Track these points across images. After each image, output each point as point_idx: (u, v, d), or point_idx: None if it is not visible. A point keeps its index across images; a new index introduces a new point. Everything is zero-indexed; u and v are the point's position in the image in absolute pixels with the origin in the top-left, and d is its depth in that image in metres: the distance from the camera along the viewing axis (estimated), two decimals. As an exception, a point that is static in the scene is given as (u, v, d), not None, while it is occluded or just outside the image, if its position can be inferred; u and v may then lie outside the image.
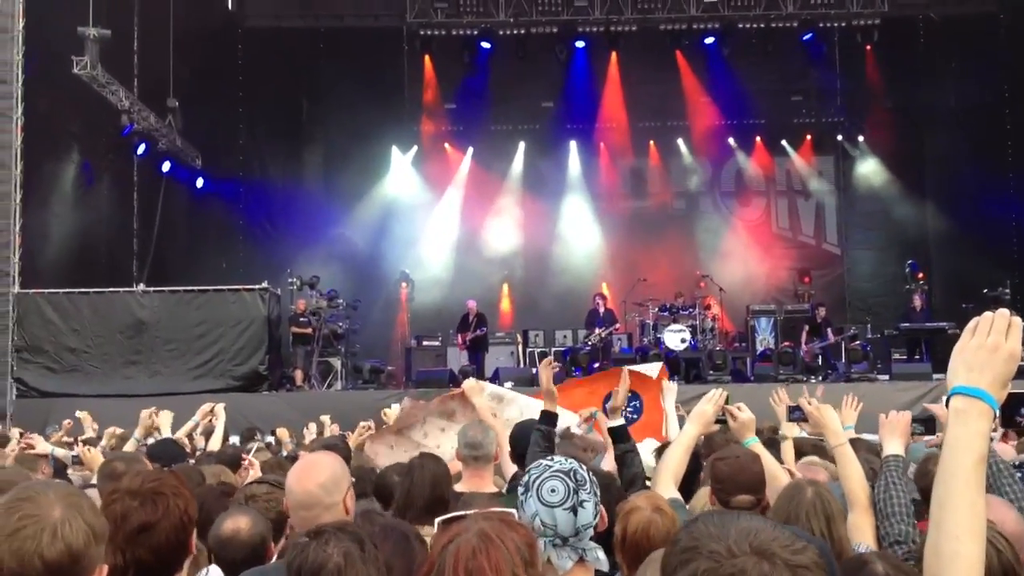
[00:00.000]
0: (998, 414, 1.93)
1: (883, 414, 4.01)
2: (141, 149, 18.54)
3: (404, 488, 4.36)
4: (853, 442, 5.84)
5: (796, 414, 4.38)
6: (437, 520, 2.10)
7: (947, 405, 1.93)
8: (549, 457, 2.80)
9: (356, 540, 2.47)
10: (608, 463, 5.48)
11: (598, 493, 2.67)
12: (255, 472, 5.48)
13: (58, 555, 2.03)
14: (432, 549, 2.00)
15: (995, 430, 7.47)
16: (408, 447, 6.69)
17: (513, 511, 2.13)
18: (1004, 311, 1.95)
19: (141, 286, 17.02)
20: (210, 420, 8.09)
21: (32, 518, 2.08)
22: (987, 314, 1.95)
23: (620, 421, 4.64)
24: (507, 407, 7.01)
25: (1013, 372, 1.92)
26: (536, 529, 2.56)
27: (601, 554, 2.62)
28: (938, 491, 1.86)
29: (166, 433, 7.20)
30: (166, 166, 19.43)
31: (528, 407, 6.96)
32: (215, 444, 7.40)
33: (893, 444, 3.82)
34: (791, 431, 5.77)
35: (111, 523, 2.67)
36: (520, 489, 2.67)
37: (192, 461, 6.61)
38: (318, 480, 3.18)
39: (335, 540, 2.46)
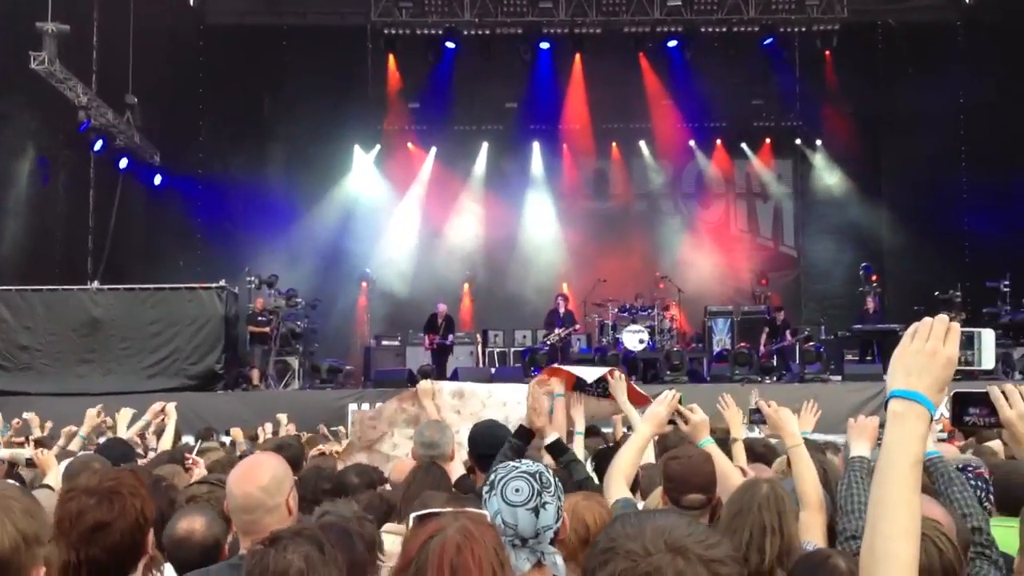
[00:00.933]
0: (938, 415, 1.98)
1: (852, 418, 4.11)
2: (98, 145, 18.30)
3: (409, 486, 4.37)
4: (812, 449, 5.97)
5: (756, 416, 4.46)
6: (412, 515, 2.11)
7: (885, 408, 1.97)
8: (517, 459, 2.82)
9: (315, 543, 2.46)
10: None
11: (562, 497, 2.68)
12: (200, 471, 5.45)
13: None
14: (408, 544, 2.01)
15: (942, 430, 7.62)
16: (380, 461, 6.65)
17: (486, 512, 2.16)
18: (943, 316, 1.99)
19: (95, 284, 16.82)
20: (161, 419, 8.02)
21: None
22: (926, 319, 1.99)
23: (554, 436, 4.65)
24: (468, 401, 6.97)
25: (950, 376, 1.96)
26: (498, 529, 2.54)
27: (559, 559, 2.63)
28: (875, 492, 1.89)
29: (122, 431, 7.13)
30: (123, 163, 19.19)
31: (490, 398, 6.96)
32: (166, 443, 7.34)
33: (860, 446, 3.92)
34: (741, 433, 5.85)
35: (65, 521, 2.67)
36: (485, 488, 2.68)
37: (145, 461, 6.57)
38: (259, 483, 3.13)
39: (294, 545, 2.44)
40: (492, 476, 2.68)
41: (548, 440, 4.64)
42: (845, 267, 20.94)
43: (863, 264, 19.42)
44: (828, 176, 23.09)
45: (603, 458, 5.03)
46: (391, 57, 22.28)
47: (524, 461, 2.75)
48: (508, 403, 6.87)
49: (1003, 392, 2.32)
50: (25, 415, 10.06)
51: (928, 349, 1.96)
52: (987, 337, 2.11)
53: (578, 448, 5.17)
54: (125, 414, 7.23)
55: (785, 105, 23.60)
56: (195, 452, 6.50)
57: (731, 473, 4.31)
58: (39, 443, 7.32)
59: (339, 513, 3.38)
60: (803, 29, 21.72)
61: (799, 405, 6.41)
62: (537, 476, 2.64)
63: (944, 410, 2.31)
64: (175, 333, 16.25)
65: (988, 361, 2.13)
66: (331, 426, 12.78)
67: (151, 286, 16.72)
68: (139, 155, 19.83)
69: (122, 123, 18.73)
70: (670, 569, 1.54)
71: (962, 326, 2.01)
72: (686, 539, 1.58)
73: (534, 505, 2.59)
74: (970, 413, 2.32)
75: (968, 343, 2.06)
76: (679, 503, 3.85)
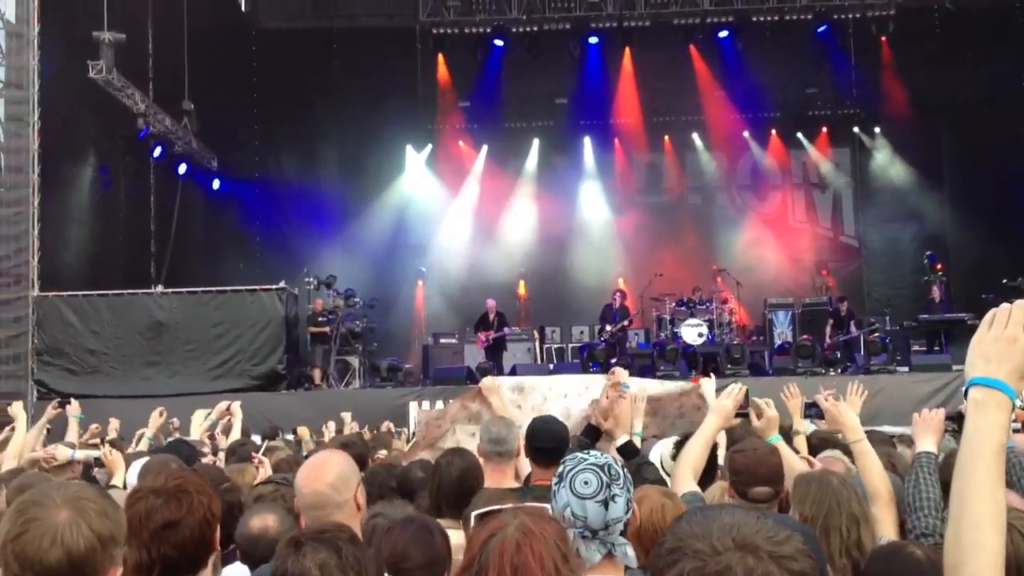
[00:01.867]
0: (1017, 404, 1.92)
1: (916, 413, 4.03)
2: (157, 152, 18.64)
3: (434, 484, 4.38)
4: (867, 433, 5.84)
5: (812, 411, 4.35)
6: (473, 514, 2.11)
7: (965, 397, 1.93)
8: (585, 451, 2.81)
9: (333, 548, 2.48)
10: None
11: (631, 489, 2.68)
12: (265, 471, 5.51)
13: (56, 561, 2.02)
14: (471, 543, 2.01)
15: (1015, 421, 7.42)
16: None
17: (547, 506, 2.14)
18: (1021, 302, 1.95)
19: (159, 287, 17.12)
20: (228, 419, 8.14)
21: (35, 522, 2.09)
22: (1004, 305, 1.95)
23: (624, 438, 4.63)
24: (529, 395, 6.94)
25: None
26: (566, 520, 2.57)
27: (630, 550, 2.61)
28: (957, 482, 1.86)
29: (195, 432, 7.25)
30: (182, 168, 19.53)
31: (551, 391, 6.91)
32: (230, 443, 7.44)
33: (926, 441, 3.85)
34: (803, 426, 5.77)
35: (135, 522, 2.70)
36: (554, 480, 2.68)
37: (216, 459, 6.66)
38: (327, 480, 3.18)
39: (311, 551, 2.47)
40: (561, 468, 2.67)
41: (619, 442, 4.62)
42: (908, 256, 20.61)
43: (927, 252, 19.07)
44: (888, 164, 22.71)
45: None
46: (440, 57, 22.37)
47: (592, 453, 2.74)
48: (569, 395, 6.83)
49: None
50: (110, 420, 10.20)
51: (1008, 336, 1.91)
52: None
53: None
54: (199, 415, 7.34)
55: (841, 93, 23.25)
56: (261, 451, 6.55)
57: (797, 467, 4.24)
58: (112, 445, 7.45)
59: (390, 516, 3.40)
60: (858, 15, 21.38)
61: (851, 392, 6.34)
62: (606, 468, 2.63)
63: (1019, 400, 2.24)
64: (238, 335, 16.46)
65: None
66: (395, 425, 12.87)
67: (213, 289, 16.95)
68: (197, 160, 20.14)
69: (180, 129, 19.03)
70: (740, 567, 1.50)
71: None
72: (755, 536, 1.54)
73: (603, 497, 2.58)
74: None
75: None
76: (746, 496, 3.79)
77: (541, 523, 2.02)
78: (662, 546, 1.60)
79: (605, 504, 2.58)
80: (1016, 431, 6.76)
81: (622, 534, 2.63)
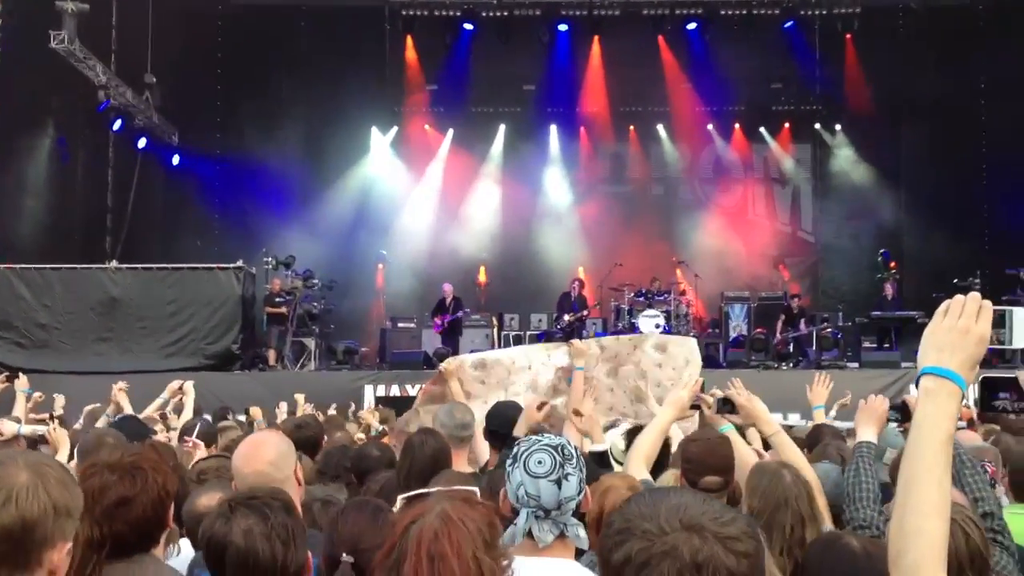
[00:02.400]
0: (966, 395, 1.97)
1: (862, 399, 4.06)
2: (117, 125, 18.38)
3: (406, 462, 4.40)
4: (819, 427, 5.95)
5: (726, 406, 4.37)
6: (399, 497, 2.10)
7: (917, 385, 1.97)
8: (540, 433, 2.84)
9: (260, 515, 2.48)
10: (569, 430, 5.56)
11: (584, 470, 2.70)
12: (200, 453, 5.49)
13: (10, 521, 2.01)
14: (394, 528, 2.01)
15: (960, 420, 7.56)
16: None
17: (476, 489, 2.14)
18: (975, 294, 1.99)
19: (114, 263, 16.93)
20: (179, 398, 8.09)
21: None
22: (958, 297, 1.99)
23: (603, 446, 4.69)
24: (492, 370, 6.90)
25: (982, 354, 1.96)
26: (520, 500, 2.61)
27: (582, 531, 2.65)
28: (905, 470, 1.90)
29: (146, 411, 7.20)
30: (142, 142, 19.27)
31: (515, 364, 6.89)
32: (184, 422, 7.40)
33: (866, 431, 3.87)
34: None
35: (88, 497, 2.67)
36: (508, 460, 2.71)
37: (169, 439, 6.62)
38: (266, 458, 3.20)
39: (240, 516, 2.50)
40: (516, 449, 2.70)
41: (596, 448, 4.67)
42: (863, 253, 20.81)
43: (881, 250, 19.34)
44: (847, 161, 22.94)
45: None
46: (408, 38, 22.25)
47: (546, 435, 2.77)
48: (533, 366, 6.84)
49: None
50: (55, 396, 10.05)
51: (960, 326, 1.96)
52: (1020, 315, 2.10)
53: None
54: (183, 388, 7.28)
55: (805, 89, 23.42)
56: (215, 431, 6.52)
57: (748, 459, 4.30)
58: (60, 421, 7.37)
59: (314, 496, 3.41)
60: (824, 12, 21.57)
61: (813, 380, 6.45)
62: (559, 448, 2.66)
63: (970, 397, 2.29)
64: (192, 313, 16.33)
65: (1020, 340, 2.11)
66: (347, 408, 12.85)
67: (169, 266, 16.81)
68: (157, 135, 19.89)
69: (141, 103, 18.78)
70: (686, 548, 1.54)
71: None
72: (701, 517, 1.58)
73: (556, 477, 2.61)
74: (999, 398, 2.31)
75: (1000, 321, 2.05)
76: (696, 485, 3.85)
77: (465, 509, 2.01)
78: (611, 527, 1.63)
79: (558, 483, 2.60)
80: (960, 428, 6.92)
81: (574, 514, 2.66)
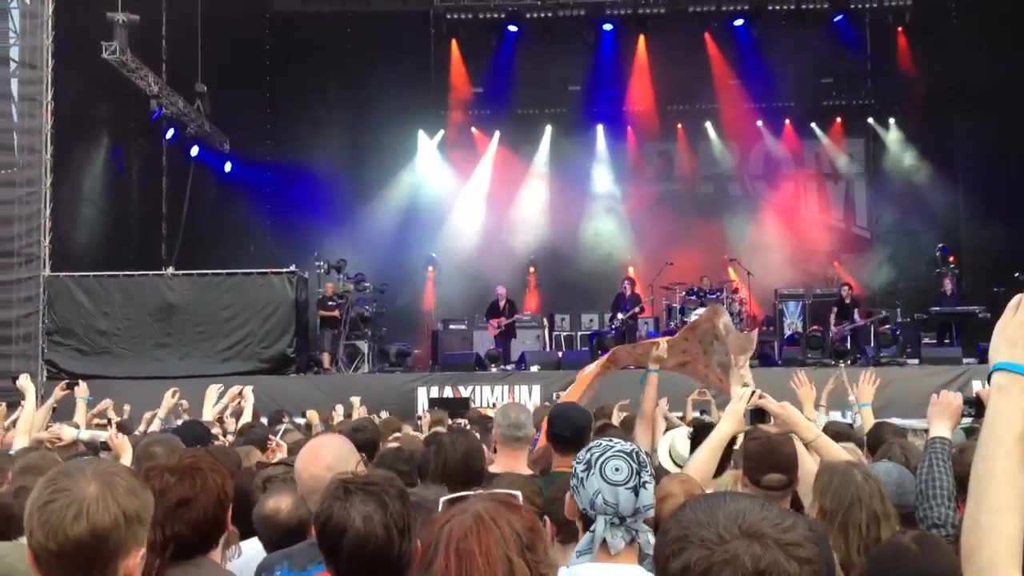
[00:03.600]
0: None
1: (934, 394, 3.94)
2: (170, 134, 18.67)
3: (439, 462, 4.37)
4: (879, 426, 5.82)
5: (756, 416, 4.24)
6: (442, 499, 2.08)
7: (989, 381, 1.93)
8: (608, 438, 2.81)
9: (379, 503, 2.48)
10: (640, 431, 5.51)
11: (655, 477, 2.70)
12: (282, 454, 5.52)
13: (80, 533, 2.03)
14: (432, 527, 2.00)
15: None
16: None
17: (518, 493, 2.11)
18: None
19: (170, 269, 17.19)
20: (239, 402, 8.15)
21: (63, 492, 2.09)
22: None
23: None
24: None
25: None
26: (597, 507, 2.59)
27: (652, 537, 2.61)
28: (978, 467, 1.86)
29: (207, 411, 7.27)
30: (194, 150, 19.55)
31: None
32: (242, 425, 7.47)
33: (941, 426, 3.76)
34: (814, 416, 5.75)
35: (149, 500, 2.69)
36: (580, 467, 2.67)
37: (226, 442, 6.67)
38: (324, 462, 3.20)
39: (359, 500, 2.48)
40: (588, 455, 2.68)
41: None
42: (921, 248, 20.47)
43: (940, 245, 19.00)
44: (902, 155, 22.56)
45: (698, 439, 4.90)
46: (454, 42, 22.32)
47: (616, 440, 2.74)
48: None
49: None
50: (103, 404, 10.19)
51: None
52: None
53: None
54: (212, 391, 7.35)
55: (856, 83, 23.16)
56: (279, 435, 6.56)
57: (808, 462, 4.20)
58: (120, 427, 7.46)
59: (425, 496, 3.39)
60: (875, 5, 21.29)
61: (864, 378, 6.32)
62: (634, 455, 2.65)
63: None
64: (248, 318, 16.50)
65: None
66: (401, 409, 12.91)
67: (224, 271, 17.00)
68: (209, 143, 20.16)
69: (192, 111, 19.04)
70: (747, 556, 1.50)
71: None
72: (761, 523, 1.53)
73: (634, 484, 2.60)
74: None
75: None
76: (759, 483, 3.77)
77: (500, 511, 1.98)
78: (666, 535, 1.59)
79: (635, 491, 2.59)
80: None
81: (645, 522, 2.64)
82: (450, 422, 8.85)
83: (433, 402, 14.89)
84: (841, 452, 4.07)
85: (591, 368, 6.93)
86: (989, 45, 21.16)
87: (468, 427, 7.41)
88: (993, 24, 21.01)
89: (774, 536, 1.52)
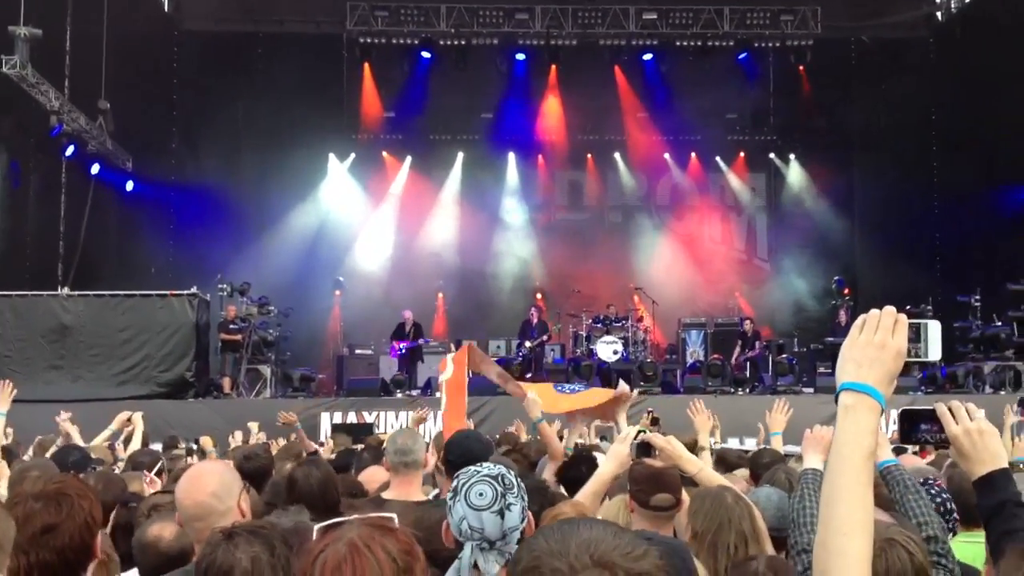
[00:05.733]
0: (885, 410, 1.97)
1: (808, 429, 4.08)
2: (70, 151, 18.13)
3: (294, 499, 4.33)
4: (760, 452, 5.99)
5: (642, 450, 4.33)
6: (316, 527, 2.07)
7: (836, 401, 1.95)
8: (478, 463, 2.82)
9: (267, 544, 2.45)
10: (548, 472, 5.53)
11: (525, 497, 2.68)
12: (154, 489, 5.40)
13: None
14: (307, 557, 1.96)
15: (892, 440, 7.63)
16: None
17: (394, 516, 2.11)
18: (890, 308, 1.98)
19: (65, 290, 16.66)
20: (131, 428, 7.96)
21: None
22: (874, 311, 1.98)
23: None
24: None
25: (899, 368, 1.95)
26: (464, 533, 2.58)
27: None
28: (827, 488, 1.88)
29: (76, 438, 7.08)
30: (95, 168, 19.00)
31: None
32: (131, 453, 7.28)
33: (813, 458, 3.88)
34: (707, 442, 5.88)
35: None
36: (449, 494, 2.68)
37: (117, 469, 6.50)
38: (208, 489, 3.15)
39: (245, 543, 2.44)
40: (455, 483, 2.68)
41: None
42: (818, 280, 21.04)
43: (836, 277, 19.58)
44: (801, 190, 23.24)
45: (571, 467, 4.97)
46: (366, 66, 22.29)
47: (485, 465, 2.74)
48: None
49: (949, 408, 2.33)
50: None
51: (877, 341, 1.94)
52: (933, 328, 2.11)
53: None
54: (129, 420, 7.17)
55: (759, 119, 23.80)
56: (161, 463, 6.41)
57: (715, 479, 4.27)
58: (5, 452, 7.22)
59: (281, 524, 3.37)
60: (777, 44, 21.93)
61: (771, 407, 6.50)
62: (500, 479, 2.64)
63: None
64: (145, 340, 16.11)
65: (935, 352, 2.12)
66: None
67: (122, 292, 16.58)
68: (111, 161, 19.66)
69: (94, 128, 18.58)
70: None
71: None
72: (612, 553, 1.53)
73: (499, 507, 2.59)
74: (921, 430, 2.33)
75: (915, 335, 2.06)
76: (647, 505, 3.83)
77: (374, 537, 1.96)
78: (518, 564, 1.57)
79: (501, 514, 2.58)
80: (905, 453, 6.97)
81: (518, 543, 2.62)
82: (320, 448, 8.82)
83: (336, 428, 14.71)
84: (725, 483, 4.15)
85: (448, 376, 7.06)
86: (887, 85, 21.99)
87: (363, 452, 7.37)
88: (890, 65, 21.87)
89: (625, 566, 1.51)
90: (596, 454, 5.76)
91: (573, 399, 7.06)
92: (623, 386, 6.66)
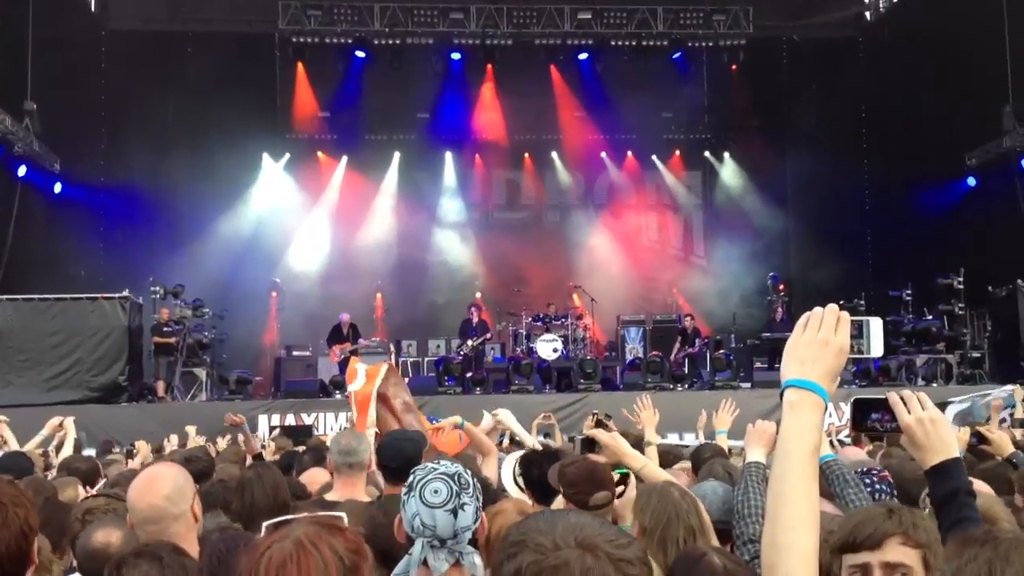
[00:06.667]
0: (833, 411, 2.00)
1: (750, 424, 4.15)
2: (-5, 153, 17.66)
3: (246, 500, 4.29)
4: (701, 447, 6.07)
5: (586, 445, 4.39)
6: (264, 524, 2.03)
7: (781, 399, 1.98)
8: (436, 460, 2.79)
9: (154, 560, 2.41)
10: (491, 469, 5.52)
11: (480, 498, 2.68)
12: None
13: None
14: (253, 554, 1.93)
15: (848, 434, 7.77)
16: None
17: (343, 515, 2.08)
18: (833, 306, 2.02)
19: (-8, 294, 16.23)
20: (63, 434, 7.79)
21: None
22: (817, 309, 2.02)
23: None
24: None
25: (843, 365, 2.00)
26: (416, 529, 2.56)
27: (478, 559, 2.61)
28: (773, 484, 1.91)
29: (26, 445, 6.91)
30: (22, 170, 18.51)
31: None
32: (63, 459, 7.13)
33: (756, 452, 3.96)
34: (654, 437, 5.92)
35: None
36: (404, 489, 2.65)
37: (51, 475, 6.37)
38: (162, 492, 3.14)
39: (131, 567, 2.40)
40: (411, 478, 2.66)
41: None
42: (754, 277, 21.33)
43: (771, 274, 19.87)
44: (736, 188, 23.57)
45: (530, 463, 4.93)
46: (300, 66, 22.07)
47: (443, 462, 2.72)
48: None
49: (902, 397, 2.36)
50: None
51: (820, 339, 1.99)
52: (875, 325, 2.16)
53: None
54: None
55: (694, 118, 24.07)
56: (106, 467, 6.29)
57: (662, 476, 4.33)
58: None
59: (208, 528, 3.33)
60: (710, 44, 22.16)
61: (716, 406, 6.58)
62: (456, 477, 2.63)
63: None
64: (76, 344, 15.76)
65: (877, 349, 2.17)
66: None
67: (51, 296, 16.20)
68: (38, 162, 19.15)
69: (21, 130, 18.10)
70: (577, 564, 1.52)
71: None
72: (597, 537, 1.56)
73: (452, 506, 2.58)
74: (872, 419, 2.35)
75: (857, 332, 2.10)
76: (587, 505, 3.84)
77: (321, 535, 1.93)
78: (506, 540, 1.61)
79: (454, 513, 2.57)
80: (847, 444, 7.09)
81: (470, 543, 2.62)
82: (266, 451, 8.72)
83: (283, 430, 14.52)
84: (668, 478, 4.19)
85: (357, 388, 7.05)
86: (817, 84, 22.39)
87: (303, 454, 7.29)
88: (820, 65, 22.28)
89: (607, 550, 1.54)
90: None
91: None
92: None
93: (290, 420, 15.42)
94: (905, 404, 2.33)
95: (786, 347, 2.02)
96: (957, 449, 2.35)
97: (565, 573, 1.51)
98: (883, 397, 2.36)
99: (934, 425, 2.32)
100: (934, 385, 16.63)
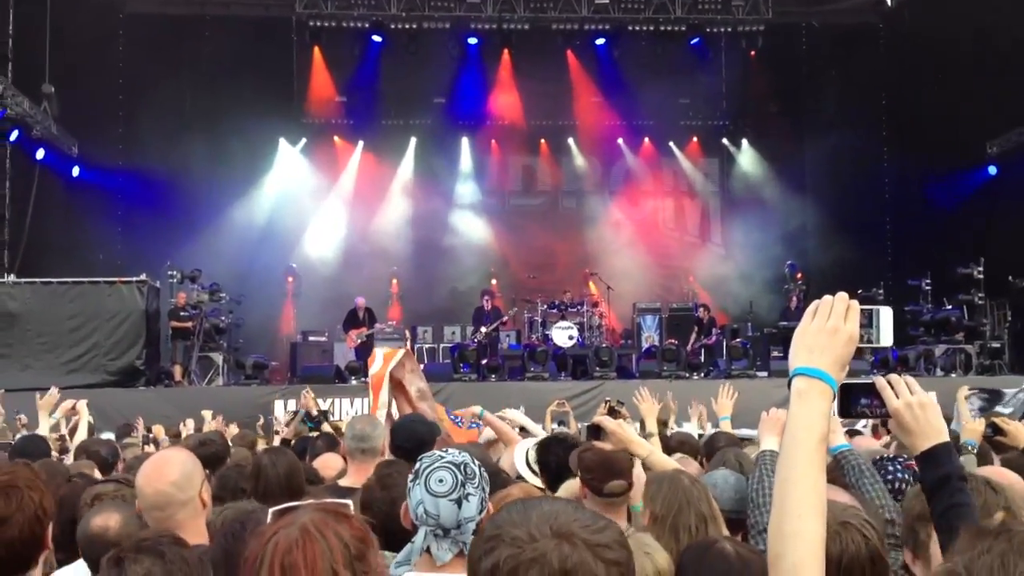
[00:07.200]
0: (836, 395, 1.99)
1: (764, 412, 4.13)
2: (14, 135, 17.74)
3: (260, 485, 4.30)
4: (714, 435, 6.06)
5: (593, 432, 4.38)
6: (271, 510, 2.03)
7: (789, 387, 1.98)
8: (444, 448, 2.79)
9: (155, 554, 2.40)
10: (507, 460, 5.52)
11: (487, 489, 2.67)
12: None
13: None
14: (259, 540, 1.94)
15: (865, 424, 7.72)
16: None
17: (349, 502, 2.08)
18: (843, 295, 2.01)
19: (11, 277, 16.35)
20: (78, 417, 7.83)
21: None
22: (827, 298, 2.01)
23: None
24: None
25: (851, 354, 1.99)
26: (419, 518, 2.56)
27: None
28: (780, 472, 1.91)
29: (42, 426, 6.96)
30: (40, 153, 18.63)
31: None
32: (79, 442, 7.17)
33: (770, 440, 3.94)
34: (656, 428, 5.94)
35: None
36: (410, 476, 2.65)
37: (67, 459, 6.41)
38: (169, 478, 3.14)
39: (132, 563, 2.40)
40: (417, 466, 2.66)
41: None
42: (771, 265, 21.23)
43: (788, 262, 19.78)
44: (754, 175, 23.43)
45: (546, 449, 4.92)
46: (316, 50, 22.04)
47: (450, 451, 2.71)
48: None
49: (889, 382, 2.33)
50: None
51: (829, 327, 1.98)
52: (885, 314, 2.14)
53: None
54: (44, 406, 7.04)
55: (712, 104, 23.90)
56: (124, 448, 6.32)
57: (669, 464, 4.33)
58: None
59: (238, 507, 3.32)
60: (729, 30, 21.99)
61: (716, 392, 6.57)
62: (462, 467, 2.62)
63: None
64: (94, 328, 15.87)
65: (887, 338, 2.15)
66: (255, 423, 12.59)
67: (69, 279, 16.30)
68: (56, 146, 19.27)
69: (39, 113, 18.20)
70: (555, 554, 1.52)
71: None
72: (572, 524, 1.56)
73: (457, 496, 2.57)
74: (860, 404, 2.32)
75: (867, 321, 2.08)
76: (601, 492, 3.83)
77: (327, 522, 1.93)
78: (482, 534, 1.61)
79: (458, 503, 2.56)
80: (861, 435, 7.05)
81: (474, 533, 2.60)
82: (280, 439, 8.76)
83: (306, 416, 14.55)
84: (675, 466, 4.19)
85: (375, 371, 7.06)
86: (837, 71, 22.21)
87: (317, 439, 7.30)
88: (840, 51, 22.09)
89: (584, 537, 1.54)
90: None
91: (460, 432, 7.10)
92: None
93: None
94: (893, 388, 2.29)
95: (795, 335, 2.01)
96: (947, 434, 2.31)
97: (543, 564, 1.51)
98: (870, 382, 2.32)
99: (923, 409, 2.27)
100: (953, 375, 16.53)
